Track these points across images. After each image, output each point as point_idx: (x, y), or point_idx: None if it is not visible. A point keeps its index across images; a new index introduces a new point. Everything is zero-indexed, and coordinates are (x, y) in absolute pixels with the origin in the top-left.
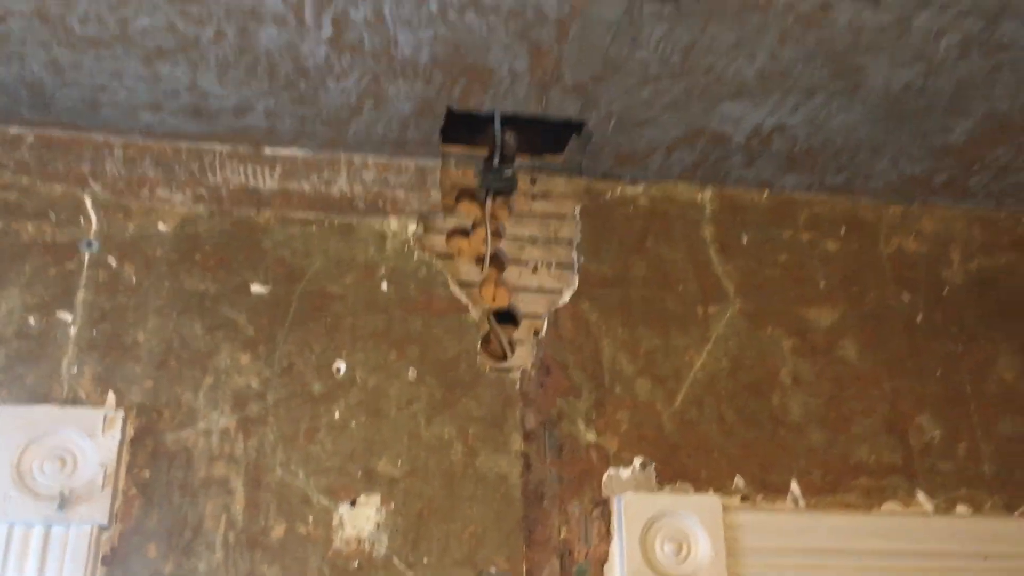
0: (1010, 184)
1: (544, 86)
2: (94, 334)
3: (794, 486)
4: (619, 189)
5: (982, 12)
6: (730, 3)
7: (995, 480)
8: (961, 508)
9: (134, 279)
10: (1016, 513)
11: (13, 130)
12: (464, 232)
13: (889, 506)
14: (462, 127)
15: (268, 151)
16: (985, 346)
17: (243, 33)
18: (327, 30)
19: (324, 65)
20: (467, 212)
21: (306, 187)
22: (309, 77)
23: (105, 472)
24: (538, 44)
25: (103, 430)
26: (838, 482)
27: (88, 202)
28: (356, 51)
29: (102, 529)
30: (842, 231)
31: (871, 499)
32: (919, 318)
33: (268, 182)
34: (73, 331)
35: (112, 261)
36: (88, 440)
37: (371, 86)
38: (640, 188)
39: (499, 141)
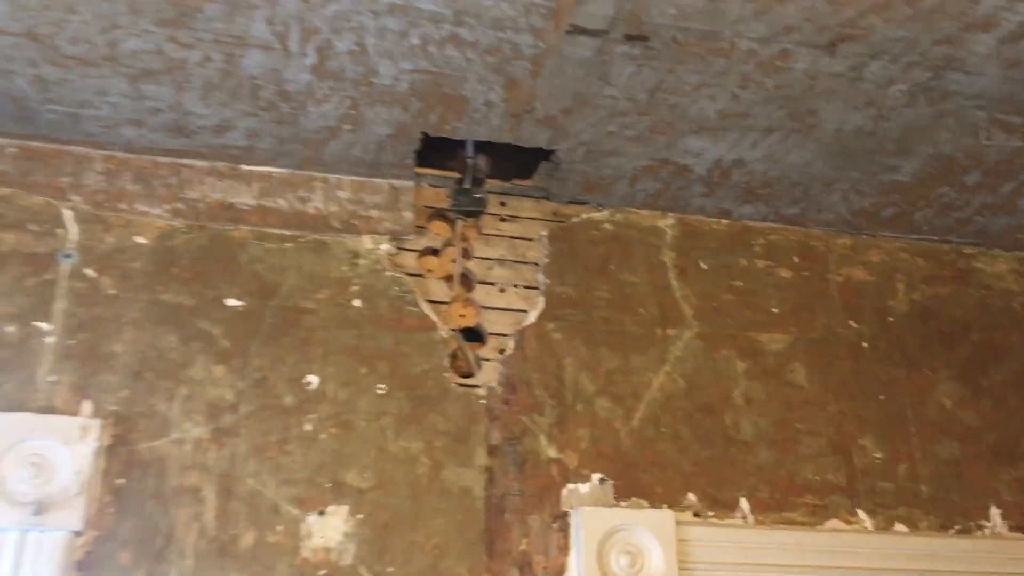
0: (953, 220)
1: (517, 116)
2: (71, 344)
3: (743, 503)
4: (585, 214)
5: (929, 64)
6: (695, 48)
7: (931, 500)
8: (899, 526)
9: (111, 291)
10: (951, 532)
11: None
12: (435, 252)
13: (832, 523)
14: (436, 150)
15: (246, 168)
16: (926, 373)
17: (229, 58)
18: (311, 58)
19: (306, 90)
20: (438, 232)
21: (282, 204)
22: (291, 100)
23: (80, 480)
24: (513, 78)
25: (79, 438)
26: (785, 500)
27: (67, 214)
28: (337, 78)
29: (76, 535)
30: (795, 260)
31: (815, 517)
32: (865, 345)
33: (245, 198)
34: (50, 340)
35: (90, 272)
36: (64, 448)
37: (350, 111)
38: (605, 214)
39: (471, 165)
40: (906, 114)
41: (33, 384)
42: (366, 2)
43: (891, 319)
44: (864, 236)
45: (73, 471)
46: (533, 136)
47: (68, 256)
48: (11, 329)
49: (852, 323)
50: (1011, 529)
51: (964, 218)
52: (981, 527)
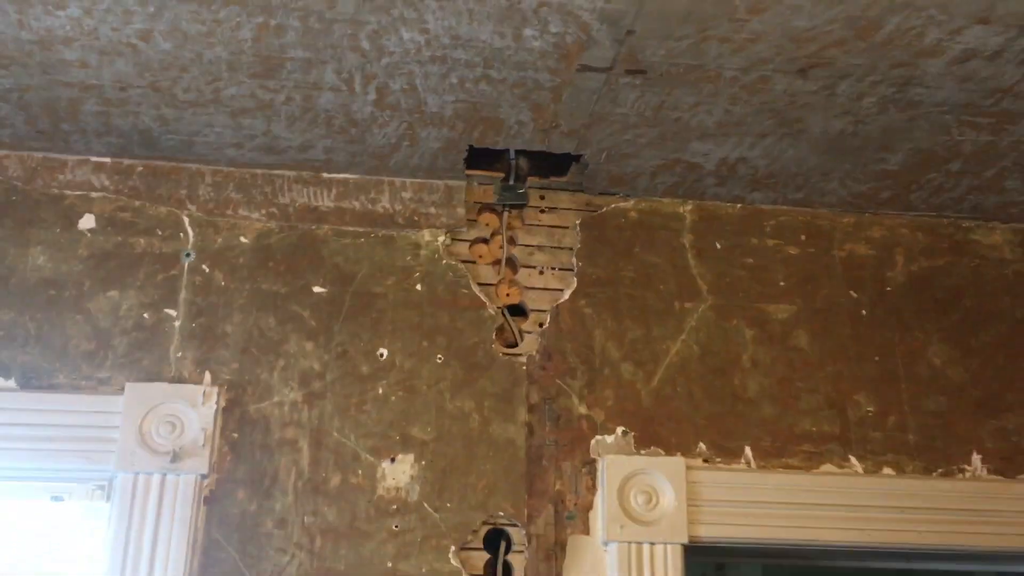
0: (947, 199)
1: (546, 131)
2: (193, 326)
3: (747, 450)
4: (613, 204)
5: (891, 81)
6: (686, 77)
7: (917, 448)
8: (887, 470)
9: (222, 282)
10: (934, 475)
11: (126, 162)
12: (484, 240)
13: (826, 468)
14: (483, 154)
15: (326, 176)
16: (919, 335)
17: (307, 98)
18: (372, 95)
19: (370, 118)
20: (487, 224)
21: (356, 205)
22: (358, 126)
23: (205, 434)
24: (538, 103)
25: (202, 402)
26: (784, 448)
27: (186, 220)
28: (394, 109)
29: (203, 477)
30: (802, 238)
31: (811, 462)
32: (863, 312)
33: (326, 202)
34: (177, 324)
35: (205, 268)
36: (191, 409)
37: (407, 132)
38: (630, 203)
39: (513, 166)
40: (881, 119)
41: (166, 359)
42: (412, 55)
43: (889, 288)
44: (867, 214)
45: (199, 428)
46: (562, 145)
47: (188, 255)
48: (147, 316)
49: (852, 293)
50: (990, 472)
51: (957, 197)
52: (963, 470)
